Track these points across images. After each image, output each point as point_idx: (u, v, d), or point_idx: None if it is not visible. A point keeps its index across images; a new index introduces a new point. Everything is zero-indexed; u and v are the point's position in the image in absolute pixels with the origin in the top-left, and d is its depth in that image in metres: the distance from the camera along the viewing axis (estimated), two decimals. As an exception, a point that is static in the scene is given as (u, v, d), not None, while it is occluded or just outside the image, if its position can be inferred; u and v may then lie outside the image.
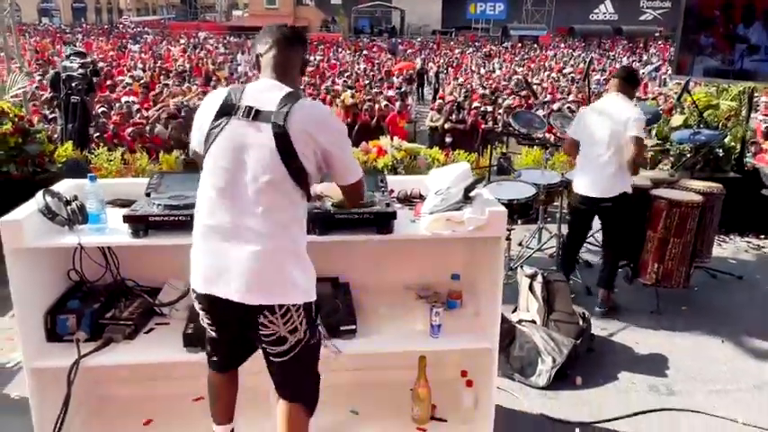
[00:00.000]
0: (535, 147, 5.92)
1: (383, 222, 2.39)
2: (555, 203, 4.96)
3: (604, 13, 47.70)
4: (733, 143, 6.31)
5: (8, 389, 3.29)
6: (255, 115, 1.92)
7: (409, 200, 2.79)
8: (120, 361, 2.47)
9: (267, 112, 1.91)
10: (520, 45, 36.77)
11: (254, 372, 2.32)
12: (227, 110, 1.95)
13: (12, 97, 6.39)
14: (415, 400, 2.79)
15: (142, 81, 15.51)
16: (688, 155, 5.72)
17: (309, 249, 2.14)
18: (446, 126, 12.23)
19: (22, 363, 3.43)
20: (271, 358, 2.09)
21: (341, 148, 2.01)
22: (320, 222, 2.37)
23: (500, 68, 23.76)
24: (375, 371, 3.02)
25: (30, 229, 2.24)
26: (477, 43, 37.73)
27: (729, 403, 3.23)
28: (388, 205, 2.45)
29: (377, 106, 12.52)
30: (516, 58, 28.40)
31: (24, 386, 3.16)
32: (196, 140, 2.07)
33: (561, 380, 3.39)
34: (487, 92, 15.52)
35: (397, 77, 19.78)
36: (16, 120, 5.48)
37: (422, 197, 2.75)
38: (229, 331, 2.15)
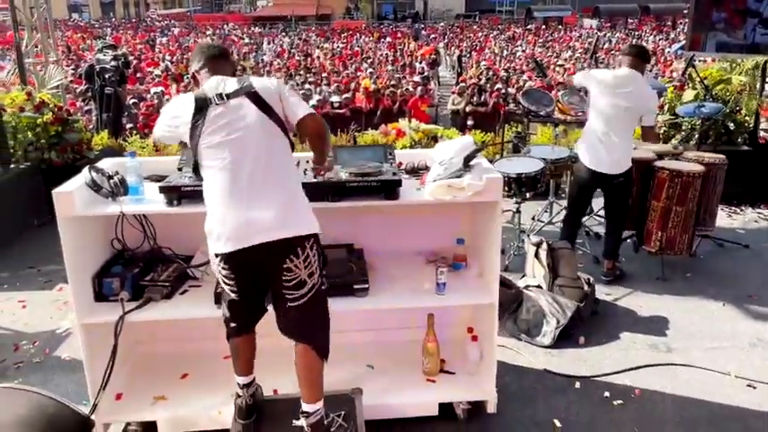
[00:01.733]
0: (548, 124, 6.09)
1: (390, 189, 2.64)
2: (565, 179, 5.14)
3: (631, -9, 46.82)
4: (748, 117, 6.39)
5: (59, 351, 3.65)
6: (228, 96, 2.27)
7: (416, 171, 3.03)
8: (158, 317, 2.77)
9: (234, 90, 2.28)
10: (544, 27, 36.37)
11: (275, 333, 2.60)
12: (201, 104, 2.27)
13: (50, 90, 6.78)
14: (425, 354, 3.05)
15: (170, 72, 15.98)
16: (698, 129, 5.83)
17: (325, 215, 2.44)
18: (467, 109, 12.38)
19: (70, 329, 3.84)
20: (288, 305, 2.35)
21: (288, 90, 2.38)
22: (333, 190, 2.63)
23: (523, 51, 23.68)
24: (389, 330, 3.29)
25: (79, 200, 2.55)
26: (500, 26, 37.48)
27: (725, 359, 3.42)
28: (394, 174, 2.70)
29: (398, 91, 12.74)
30: (540, 40, 28.20)
31: (73, 349, 3.56)
32: (166, 134, 2.44)
33: (565, 339, 3.61)
34: (503, 74, 15.50)
35: (420, 63, 19.92)
36: (56, 110, 5.85)
37: (428, 168, 2.99)
38: (250, 289, 2.41)
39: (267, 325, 2.58)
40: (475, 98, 12.51)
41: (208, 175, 2.33)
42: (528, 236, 4.17)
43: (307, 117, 2.32)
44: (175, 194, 2.59)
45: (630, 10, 41.33)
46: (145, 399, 2.94)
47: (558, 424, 2.93)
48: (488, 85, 13.50)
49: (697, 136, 5.80)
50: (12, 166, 5.46)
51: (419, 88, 12.88)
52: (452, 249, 3.11)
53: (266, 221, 2.23)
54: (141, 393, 2.97)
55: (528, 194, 4.49)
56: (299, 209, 2.33)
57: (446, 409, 2.95)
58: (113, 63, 7.29)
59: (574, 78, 4.41)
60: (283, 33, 33.81)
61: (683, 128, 5.89)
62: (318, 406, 2.48)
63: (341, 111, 11.66)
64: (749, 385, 3.20)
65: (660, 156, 4.46)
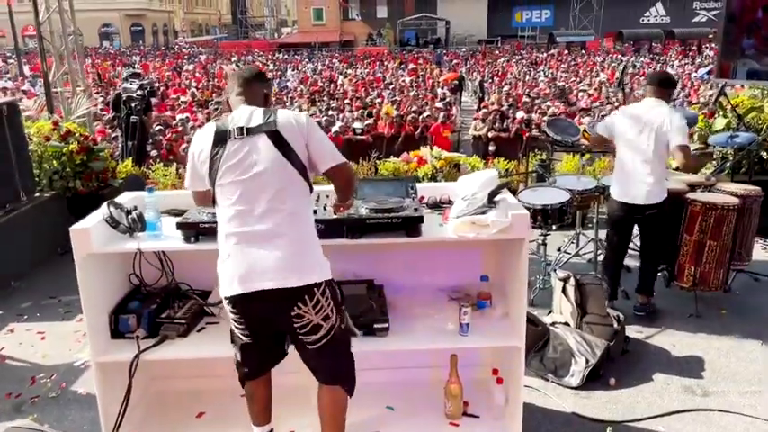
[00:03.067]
0: (573, 154, 5.99)
1: (411, 226, 2.56)
2: (592, 209, 5.00)
3: (655, 17, 46.68)
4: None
5: (75, 386, 3.60)
6: (248, 132, 2.20)
7: (439, 205, 2.95)
8: (174, 355, 2.72)
9: (256, 126, 2.20)
10: (566, 52, 36.33)
11: (293, 371, 2.52)
12: (221, 137, 2.22)
13: (77, 118, 6.88)
14: (448, 396, 2.93)
15: (196, 99, 16.23)
16: (731, 158, 5.67)
17: (345, 250, 2.37)
18: (489, 135, 12.31)
19: (88, 362, 3.79)
20: (308, 347, 2.28)
21: (319, 133, 2.28)
22: (352, 226, 2.56)
23: (545, 76, 23.62)
24: (410, 369, 3.17)
25: (96, 236, 2.52)
26: (523, 51, 37.54)
27: (764, 404, 3.23)
28: (416, 210, 2.62)
29: (420, 117, 12.74)
30: (563, 65, 28.13)
31: (90, 383, 3.50)
32: (192, 180, 2.37)
33: (595, 380, 3.46)
34: (526, 99, 15.42)
35: (442, 88, 19.96)
36: (81, 139, 5.92)
37: (451, 203, 2.91)
38: (262, 333, 2.35)
39: (283, 362, 2.51)
40: (497, 124, 12.44)
41: (220, 214, 2.29)
42: (555, 270, 4.03)
43: (337, 167, 2.28)
44: (193, 231, 2.55)
45: (655, 35, 41.12)
46: (160, 439, 2.87)
47: (588, 473, 2.78)
48: (510, 111, 13.42)
49: (728, 165, 5.63)
50: (36, 194, 5.51)
51: (441, 114, 12.87)
52: (476, 287, 3.00)
53: (271, 268, 2.16)
54: (156, 432, 2.90)
55: (554, 226, 4.36)
56: (308, 256, 2.24)
57: (469, 453, 2.82)
58: (139, 92, 7.38)
59: (598, 128, 4.31)
60: (307, 60, 34.27)
61: (714, 157, 5.72)
62: (342, 448, 2.39)
63: (362, 137, 11.69)
64: (793, 433, 3.01)
65: (692, 187, 4.32)
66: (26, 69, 23.58)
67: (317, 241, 2.32)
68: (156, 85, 19.66)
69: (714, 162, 5.72)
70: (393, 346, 2.74)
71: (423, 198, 3.02)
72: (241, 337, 2.37)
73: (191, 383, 3.18)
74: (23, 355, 3.96)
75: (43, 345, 4.08)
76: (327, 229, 2.53)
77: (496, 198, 2.67)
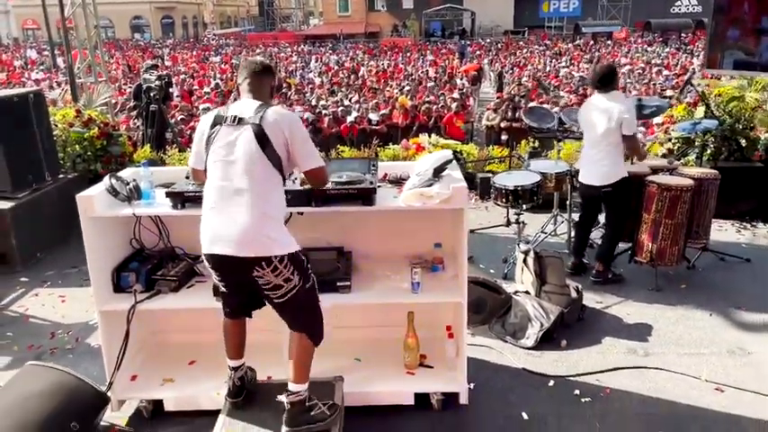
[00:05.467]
0: (565, 140, 6.27)
1: (366, 196, 2.96)
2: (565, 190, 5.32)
3: (687, 6, 45.82)
4: (767, 133, 6.41)
5: (89, 339, 4.10)
6: (239, 121, 2.60)
7: (399, 181, 3.33)
8: (166, 306, 3.18)
9: (247, 117, 2.60)
10: (592, 42, 36.04)
11: (272, 329, 2.95)
12: (218, 120, 2.65)
13: (99, 106, 7.42)
14: (406, 349, 3.33)
15: (219, 89, 16.79)
16: (712, 145, 5.92)
17: (320, 222, 2.81)
18: (502, 125, 12.56)
19: (99, 321, 4.27)
20: (274, 301, 2.70)
21: (301, 137, 2.64)
22: (317, 197, 2.97)
23: (565, 67, 23.61)
24: (377, 328, 3.57)
25: (99, 203, 2.98)
26: (548, 42, 37.34)
27: (699, 364, 3.56)
28: (371, 183, 3.01)
29: (434, 107, 13.06)
30: (586, 56, 28.00)
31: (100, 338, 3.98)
32: (195, 158, 2.76)
33: (548, 342, 3.82)
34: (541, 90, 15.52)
35: (461, 79, 20.19)
36: (102, 125, 6.44)
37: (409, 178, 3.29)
38: (234, 284, 2.76)
39: (266, 320, 2.92)
40: (509, 114, 12.68)
41: (205, 186, 2.71)
42: (518, 244, 4.39)
43: (314, 170, 2.68)
44: (179, 199, 2.98)
45: (684, 24, 40.44)
46: (155, 380, 3.34)
47: (525, 417, 3.15)
48: (523, 102, 13.64)
49: (709, 152, 5.88)
50: (60, 176, 6.04)
51: (455, 104, 13.16)
52: (432, 253, 3.39)
53: (231, 238, 2.54)
54: (152, 376, 3.37)
55: (525, 206, 4.71)
56: (266, 233, 2.57)
57: (422, 399, 3.21)
58: (157, 82, 7.89)
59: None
60: (331, 51, 34.68)
61: (696, 144, 5.96)
62: (302, 387, 2.79)
63: (377, 127, 12.07)
64: (717, 389, 3.33)
65: (655, 171, 4.62)
66: (59, 61, 24.47)
67: (278, 221, 2.67)
68: (183, 76, 20.38)
69: (696, 149, 5.96)
70: (354, 301, 3.15)
71: (386, 175, 3.41)
72: (220, 286, 2.81)
73: (184, 337, 3.64)
74: (45, 314, 4.48)
75: (63, 306, 4.60)
76: (295, 199, 2.93)
77: (442, 173, 3.04)
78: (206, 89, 17.27)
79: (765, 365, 3.55)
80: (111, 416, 3.18)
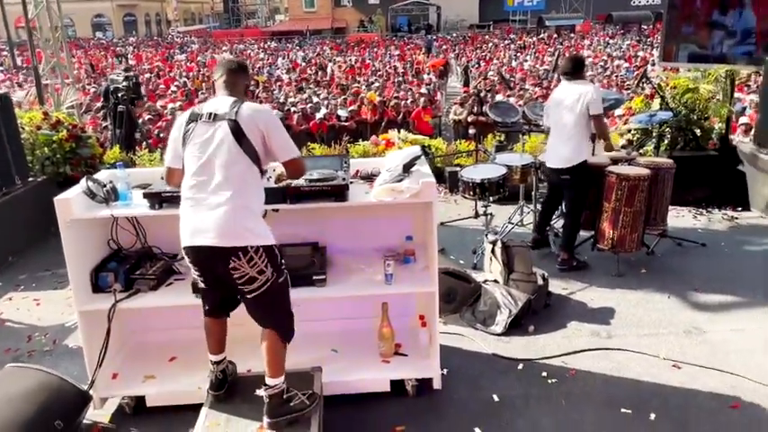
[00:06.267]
0: (530, 134, 6.47)
1: (339, 193, 3.07)
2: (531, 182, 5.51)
3: (647, -1, 46.87)
4: (721, 123, 6.72)
5: (67, 341, 4.14)
6: (215, 117, 2.69)
7: (370, 177, 3.45)
8: (146, 305, 3.24)
9: (222, 113, 2.68)
10: (556, 36, 36.63)
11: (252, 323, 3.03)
12: (193, 118, 2.73)
13: (66, 108, 7.36)
14: (381, 339, 3.46)
15: (186, 88, 16.65)
16: (668, 136, 6.18)
17: (295, 218, 2.86)
18: (469, 119, 12.76)
19: (77, 322, 4.31)
20: (246, 296, 2.78)
21: (277, 130, 2.73)
22: (291, 195, 3.07)
23: (531, 60, 24.00)
24: (354, 320, 3.69)
25: (77, 205, 3.03)
26: (513, 36, 37.82)
27: (658, 344, 3.77)
28: (343, 180, 3.12)
29: (402, 103, 13.19)
30: (550, 49, 28.48)
31: (79, 339, 4.02)
32: (171, 155, 2.83)
33: (516, 328, 3.99)
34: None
35: (428, 74, 20.37)
36: (70, 128, 6.41)
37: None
38: (213, 278, 2.83)
39: (244, 313, 3.00)
40: (476, 108, 12.88)
41: (183, 182, 2.79)
42: (486, 235, 4.56)
43: (291, 160, 2.77)
44: (157, 199, 3.05)
45: (644, 17, 41.38)
46: (136, 377, 3.40)
47: (495, 398, 3.31)
48: (489, 96, 13.86)
49: (666, 142, 6.14)
50: (30, 179, 6.00)
51: (422, 99, 13.31)
52: (403, 245, 3.52)
53: (211, 229, 2.63)
54: (133, 373, 3.44)
55: (492, 198, 4.88)
56: (243, 224, 2.65)
57: (398, 385, 3.35)
58: (125, 83, 7.85)
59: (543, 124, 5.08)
60: (297, 47, 34.56)
61: (653, 135, 6.22)
62: (278, 381, 2.88)
63: (346, 123, 12.16)
64: (675, 366, 3.55)
65: (615, 161, 4.83)
66: (19, 61, 23.93)
67: (257, 214, 2.75)
68: (148, 75, 20.12)
69: (654, 140, 6.22)
70: (330, 294, 3.26)
71: (358, 171, 3.53)
72: (198, 281, 2.89)
73: (164, 334, 3.70)
74: (21, 318, 4.49)
75: (38, 310, 4.61)
76: (270, 196, 3.02)
77: (411, 169, 3.17)
78: (172, 88, 17.09)
79: (718, 343, 3.78)
80: (93, 413, 3.24)
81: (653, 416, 3.11)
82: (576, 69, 4.52)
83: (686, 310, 4.21)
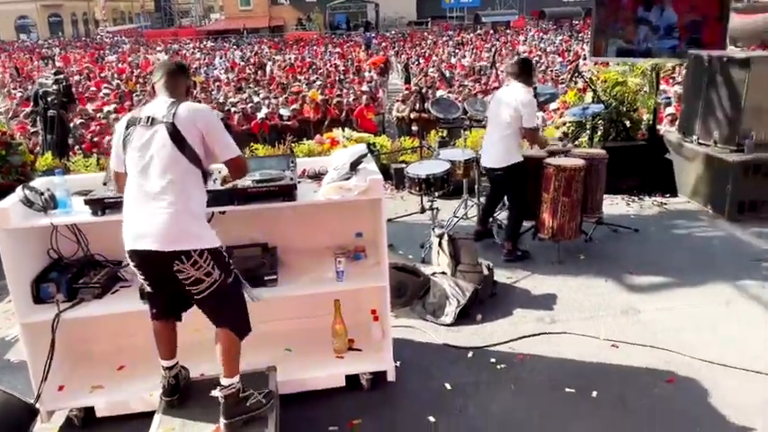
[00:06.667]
0: (471, 129, 6.64)
1: (287, 193, 3.09)
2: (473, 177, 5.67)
3: (578, -5, 48.40)
4: (649, 114, 7.07)
5: (8, 355, 3.99)
6: (152, 121, 2.66)
7: (317, 176, 3.49)
8: (91, 314, 3.16)
9: (160, 116, 2.66)
10: (492, 32, 37.41)
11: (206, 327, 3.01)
12: (132, 122, 2.71)
13: (-6, 115, 7.04)
14: (334, 335, 3.50)
15: (119, 90, 16.13)
16: (601, 127, 6.46)
17: (243, 219, 2.90)
18: (411, 116, 12.89)
19: (17, 336, 4.16)
20: (195, 297, 2.77)
21: (216, 129, 2.72)
22: (239, 196, 3.07)
23: (470, 57, 24.44)
24: (305, 318, 3.72)
25: (14, 214, 2.93)
26: (450, 32, 38.37)
27: (598, 326, 3.97)
28: (291, 179, 3.14)
29: (345, 101, 13.20)
30: (486, 45, 29.06)
31: (21, 353, 3.88)
32: (115, 161, 2.80)
33: (465, 318, 4.11)
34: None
35: (369, 72, 20.44)
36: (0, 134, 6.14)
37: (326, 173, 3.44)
38: (158, 282, 2.81)
39: (195, 319, 2.98)
40: (418, 105, 13.02)
41: (126, 186, 2.75)
42: (432, 229, 4.67)
43: (232, 159, 2.75)
44: (99, 206, 2.99)
45: (575, 13, 42.79)
46: (83, 388, 3.32)
47: (448, 387, 3.41)
48: (430, 93, 14.06)
49: (599, 133, 6.42)
50: (-43, 189, 5.72)
51: (364, 97, 13.37)
52: (353, 242, 3.57)
53: (152, 233, 2.61)
54: (80, 384, 3.35)
55: (437, 193, 5.00)
56: (185, 228, 2.64)
57: (353, 380, 3.40)
58: (54, 86, 7.56)
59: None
60: (235, 46, 33.99)
61: (587, 127, 6.49)
62: (233, 380, 2.88)
63: (289, 122, 12.08)
64: (613, 345, 3.74)
65: (552, 153, 5.03)
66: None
67: (199, 217, 2.74)
68: (77, 77, 19.36)
69: (588, 131, 6.49)
70: (281, 294, 3.27)
71: (305, 171, 3.56)
72: (144, 285, 2.86)
73: (111, 343, 3.62)
74: (-44, 334, 4.29)
75: (-26, 325, 4.40)
76: (216, 199, 3.01)
77: (359, 167, 3.22)
78: (104, 90, 16.51)
79: (652, 322, 4.01)
80: (41, 428, 3.15)
81: (595, 393, 3.28)
82: (521, 71, 4.68)
83: (622, 292, 4.43)
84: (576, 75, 6.49)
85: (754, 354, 3.58)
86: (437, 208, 5.41)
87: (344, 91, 14.53)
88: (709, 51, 6.15)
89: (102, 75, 20.92)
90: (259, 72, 20.75)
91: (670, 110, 8.74)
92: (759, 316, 4.07)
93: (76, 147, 8.71)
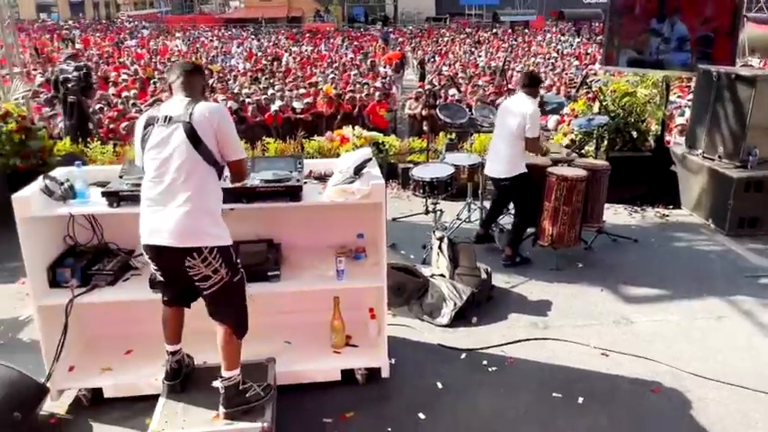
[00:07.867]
0: (481, 133, 6.75)
1: (293, 193, 3.24)
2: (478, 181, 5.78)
3: (599, -4, 48.03)
4: (657, 125, 7.14)
5: (21, 335, 4.18)
6: (170, 120, 2.79)
7: (323, 177, 3.62)
8: (103, 299, 3.33)
9: (177, 115, 2.79)
10: (510, 31, 37.29)
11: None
12: (150, 122, 2.84)
13: (15, 99, 7.21)
14: (333, 331, 3.65)
15: (137, 77, 16.31)
16: (608, 137, 6.54)
17: (250, 216, 3.02)
18: (423, 113, 12.98)
19: (30, 316, 4.34)
20: (203, 292, 2.93)
21: (228, 129, 2.84)
22: (248, 195, 3.22)
23: (486, 56, 24.41)
24: (304, 313, 3.86)
25: (34, 203, 3.10)
26: (468, 30, 38.28)
27: (589, 334, 4.09)
28: (297, 180, 3.29)
29: (358, 96, 13.30)
30: (504, 45, 29.00)
31: (33, 333, 4.07)
32: (138, 157, 2.93)
33: (461, 320, 4.25)
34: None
35: (384, 67, 20.50)
36: (19, 119, 6.32)
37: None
38: (170, 274, 2.97)
39: (201, 308, 3.13)
40: (430, 102, 13.10)
41: (143, 183, 2.90)
42: (433, 231, 4.80)
43: (234, 162, 2.89)
44: (115, 198, 3.16)
45: (594, 15, 42.46)
46: (93, 370, 3.50)
47: (439, 386, 3.55)
48: (443, 91, 14.13)
49: (606, 143, 6.51)
50: (-22, 171, 5.92)
51: (377, 93, 13.46)
52: (355, 243, 3.71)
53: (167, 230, 2.75)
54: (90, 366, 3.53)
55: (440, 196, 5.12)
56: (200, 226, 2.77)
57: (348, 375, 3.55)
58: (75, 73, 7.74)
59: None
60: (252, 36, 34.13)
61: (594, 136, 6.57)
62: (233, 373, 3.03)
63: (302, 116, 12.21)
64: (603, 353, 3.86)
65: (555, 162, 5.14)
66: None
67: (215, 214, 2.87)
68: (97, 60, 19.58)
69: (594, 141, 6.57)
70: (283, 289, 3.43)
71: (311, 171, 3.70)
72: (157, 276, 3.03)
73: (121, 328, 3.78)
74: (-28, 312, 4.48)
75: (-10, 304, 4.60)
76: (226, 196, 3.15)
77: (362, 171, 3.36)
78: (123, 76, 16.69)
79: (643, 332, 4.13)
80: (50, 405, 3.33)
81: (581, 399, 3.41)
82: (531, 84, 4.84)
83: (616, 302, 4.55)
84: (585, 86, 6.56)
85: (742, 369, 3.69)
86: (441, 210, 5.53)
87: (358, 86, 14.61)
88: (717, 67, 6.21)
89: (121, 60, 21.12)
90: (275, 63, 20.87)
91: (681, 120, 8.75)
92: (749, 332, 4.17)
93: (95, 133, 8.88)
